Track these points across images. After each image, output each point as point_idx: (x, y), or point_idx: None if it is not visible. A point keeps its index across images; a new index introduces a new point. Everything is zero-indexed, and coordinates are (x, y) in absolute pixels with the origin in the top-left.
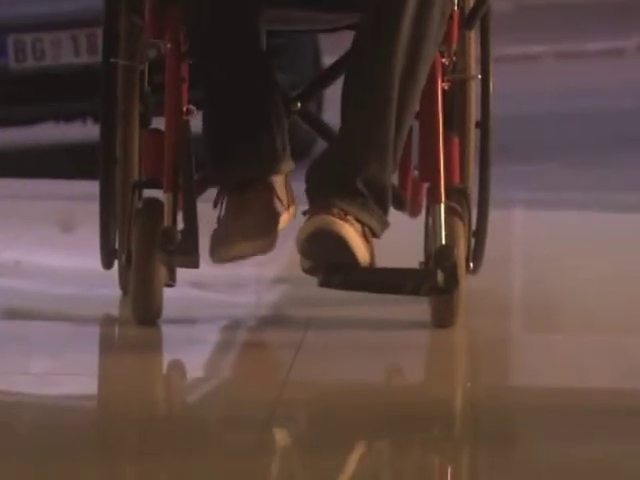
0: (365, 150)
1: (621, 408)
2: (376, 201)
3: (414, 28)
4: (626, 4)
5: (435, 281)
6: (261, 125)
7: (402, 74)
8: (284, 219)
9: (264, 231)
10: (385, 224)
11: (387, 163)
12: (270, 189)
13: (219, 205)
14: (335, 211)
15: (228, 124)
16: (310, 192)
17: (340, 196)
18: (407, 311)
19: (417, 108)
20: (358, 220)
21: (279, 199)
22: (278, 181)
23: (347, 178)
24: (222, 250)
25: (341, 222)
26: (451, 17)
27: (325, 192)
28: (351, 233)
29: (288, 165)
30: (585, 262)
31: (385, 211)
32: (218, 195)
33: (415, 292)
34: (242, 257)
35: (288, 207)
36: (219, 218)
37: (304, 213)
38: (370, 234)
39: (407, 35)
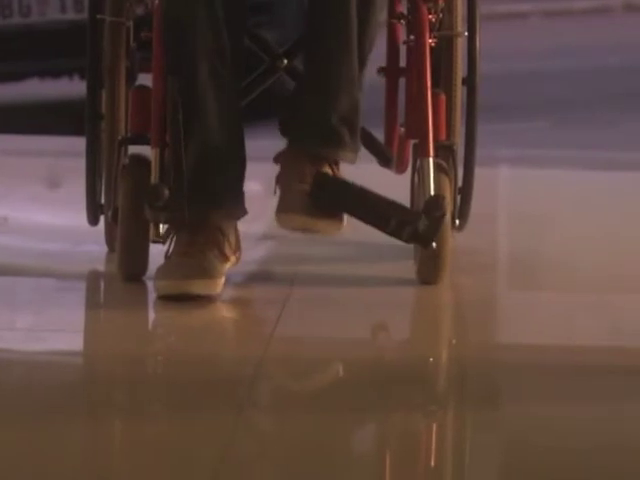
0: (336, 87)
1: (606, 366)
2: (349, 131)
3: None
4: None
5: (417, 227)
6: (227, 162)
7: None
8: (232, 262)
9: (210, 274)
10: (357, 150)
11: (356, 96)
12: (222, 232)
13: (168, 241)
14: (309, 164)
15: (196, 155)
16: (284, 132)
17: (316, 139)
18: (393, 268)
19: (376, 36)
20: (331, 163)
21: (229, 242)
22: (230, 224)
23: (322, 118)
24: (166, 284)
25: (315, 221)
26: None
27: (300, 135)
28: (331, 228)
29: (244, 212)
30: (570, 220)
31: (356, 140)
32: (168, 231)
33: (396, 233)
34: (185, 294)
35: (235, 252)
36: (166, 254)
37: (275, 159)
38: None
39: None
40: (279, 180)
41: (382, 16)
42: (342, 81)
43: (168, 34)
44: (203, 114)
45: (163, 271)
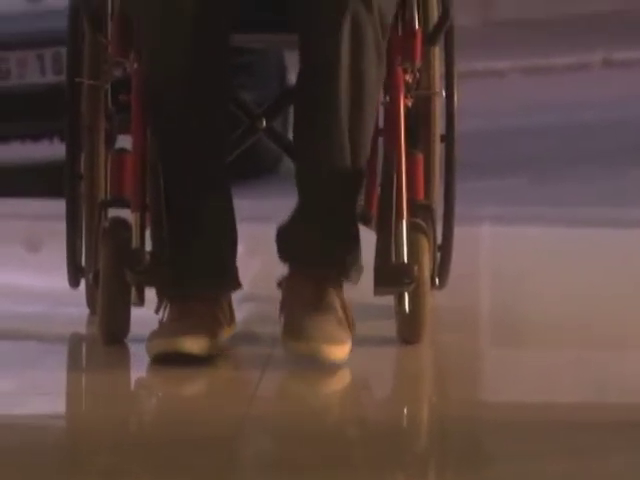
0: (333, 215)
1: (590, 423)
2: (352, 254)
3: (352, 76)
4: (591, 18)
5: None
6: (218, 232)
7: (350, 124)
8: (226, 331)
9: (206, 331)
10: (360, 270)
11: (353, 212)
12: (216, 302)
13: (161, 311)
14: (314, 288)
15: (186, 228)
16: (285, 257)
17: (317, 265)
18: (374, 327)
19: (368, 152)
20: (334, 286)
21: (223, 313)
22: (224, 298)
23: (322, 244)
24: (158, 342)
25: (329, 348)
26: (414, 34)
27: (301, 259)
28: (339, 352)
29: (238, 286)
30: (553, 277)
31: (358, 259)
32: (160, 301)
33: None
34: (180, 352)
35: (229, 324)
36: (160, 322)
37: (279, 284)
38: (349, 308)
39: (346, 85)
40: (283, 305)
41: (372, 123)
42: (338, 207)
43: (150, 96)
44: (187, 180)
45: (154, 333)
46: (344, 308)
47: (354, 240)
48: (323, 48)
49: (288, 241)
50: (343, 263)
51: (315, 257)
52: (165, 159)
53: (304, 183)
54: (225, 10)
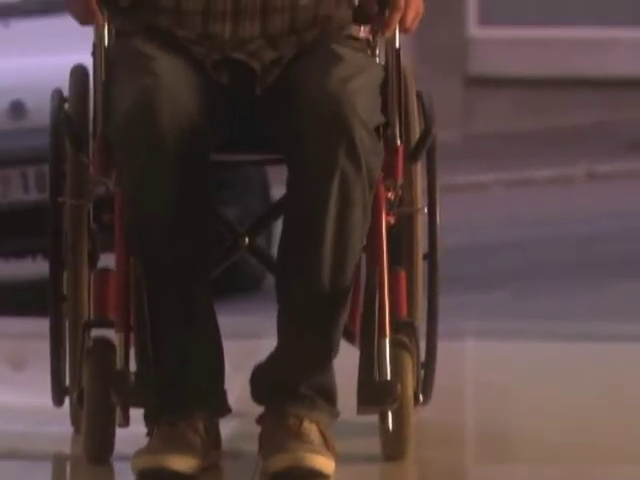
0: (307, 360)
1: None
2: (323, 399)
3: (337, 232)
4: (573, 132)
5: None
6: (206, 365)
7: (330, 277)
8: (213, 453)
9: (194, 451)
10: (335, 415)
11: (329, 364)
12: (204, 426)
13: (151, 435)
14: (291, 420)
15: (172, 357)
16: (258, 398)
17: (290, 402)
18: (358, 443)
19: (349, 301)
20: (311, 420)
21: (210, 435)
22: (212, 422)
23: (293, 385)
24: (145, 458)
25: (311, 455)
26: (396, 151)
27: (275, 399)
28: (324, 462)
29: (227, 411)
30: (537, 392)
31: (333, 404)
32: (148, 426)
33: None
34: (166, 470)
35: (217, 446)
36: (148, 440)
37: (258, 421)
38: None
39: (330, 242)
40: (261, 443)
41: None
42: (314, 355)
43: (132, 225)
44: (172, 307)
45: (140, 450)
46: (323, 436)
47: (327, 386)
48: (310, 206)
49: (262, 383)
50: (314, 404)
51: (284, 398)
52: (149, 285)
53: (282, 327)
54: (208, 143)
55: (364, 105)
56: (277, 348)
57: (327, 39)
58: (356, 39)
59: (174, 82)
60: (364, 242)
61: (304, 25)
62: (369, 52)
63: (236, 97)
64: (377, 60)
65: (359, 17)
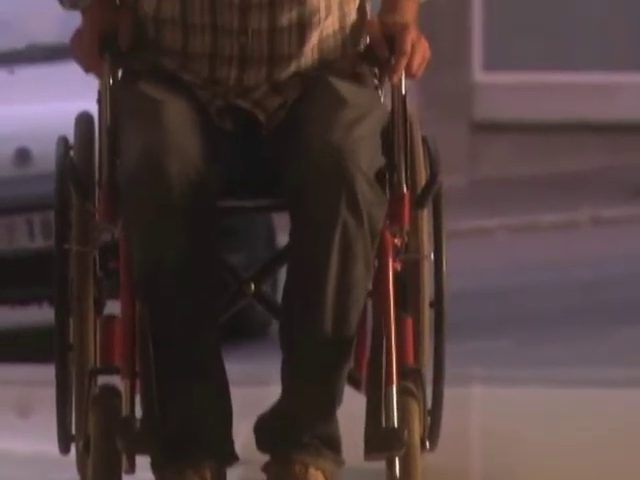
0: (310, 410)
1: None
2: (328, 447)
3: (339, 284)
4: (577, 177)
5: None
6: (214, 415)
7: (334, 328)
8: None
9: None
10: (341, 463)
11: (333, 414)
12: (211, 472)
13: None
14: (297, 468)
15: (180, 408)
16: (264, 447)
17: (295, 450)
18: None
19: (353, 351)
20: (317, 467)
21: None
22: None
23: (297, 435)
24: None
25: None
26: (402, 198)
27: (280, 448)
28: None
29: (235, 459)
30: (542, 438)
31: (338, 452)
32: (155, 475)
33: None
34: None
35: None
36: None
37: (263, 469)
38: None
39: (333, 293)
40: None
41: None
42: (317, 405)
43: (140, 277)
44: (180, 358)
45: None
46: None
47: (331, 434)
48: (312, 258)
49: (266, 433)
50: (319, 452)
51: (294, 447)
52: (156, 333)
53: (286, 377)
54: (214, 192)
55: (366, 155)
56: (281, 398)
57: (331, 73)
58: (360, 74)
59: (181, 133)
60: (370, 288)
61: (310, 69)
62: (375, 81)
63: (241, 141)
64: (381, 93)
65: (368, 58)
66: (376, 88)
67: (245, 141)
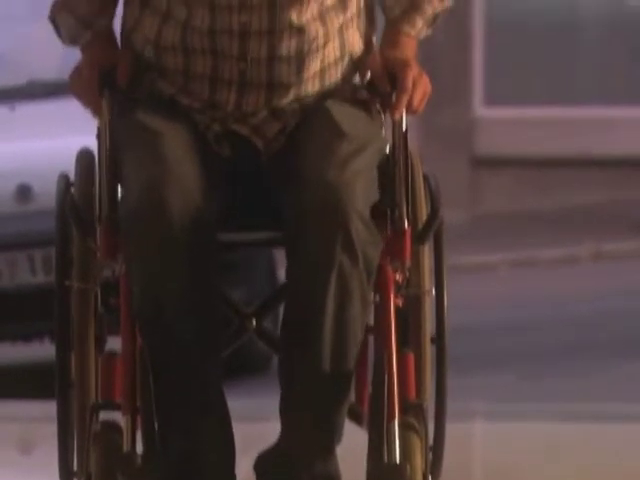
0: (309, 449)
1: None
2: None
3: (336, 323)
4: (579, 211)
5: None
6: (217, 452)
7: (331, 365)
8: None
9: None
10: None
11: (332, 451)
12: None
13: None
14: None
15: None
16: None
17: None
18: None
19: (351, 388)
20: None
21: None
22: None
23: (297, 473)
24: None
25: None
26: (404, 233)
27: None
28: None
29: None
30: (544, 472)
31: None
32: None
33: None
34: None
35: None
36: None
37: None
38: None
39: (330, 332)
40: None
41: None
42: (316, 443)
43: (141, 312)
44: (182, 396)
45: None
46: None
47: (332, 461)
48: (308, 298)
49: (266, 472)
50: None
51: None
52: (157, 369)
53: (284, 414)
54: (214, 225)
55: (362, 190)
56: (280, 435)
57: (331, 99)
58: (362, 100)
59: (181, 165)
60: (370, 323)
61: (310, 96)
62: (377, 106)
63: (239, 168)
64: (384, 118)
65: (370, 91)
66: (378, 112)
67: (244, 167)
